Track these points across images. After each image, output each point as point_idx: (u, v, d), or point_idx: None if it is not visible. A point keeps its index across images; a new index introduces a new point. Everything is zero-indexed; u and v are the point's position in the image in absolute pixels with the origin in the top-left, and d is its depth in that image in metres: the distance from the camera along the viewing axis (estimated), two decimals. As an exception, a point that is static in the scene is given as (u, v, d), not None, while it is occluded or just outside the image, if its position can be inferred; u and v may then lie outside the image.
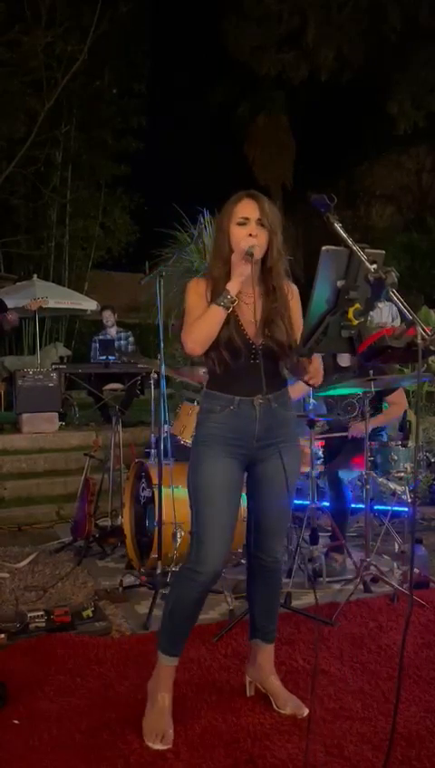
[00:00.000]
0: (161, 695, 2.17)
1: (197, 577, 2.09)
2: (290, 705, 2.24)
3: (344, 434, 4.02)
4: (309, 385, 2.14)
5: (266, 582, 2.30)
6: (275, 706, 2.25)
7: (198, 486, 2.14)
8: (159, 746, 2.05)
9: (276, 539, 2.27)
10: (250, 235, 2.10)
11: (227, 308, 2.08)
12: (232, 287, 2.09)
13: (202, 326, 2.10)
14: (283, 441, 2.20)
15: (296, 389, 4.16)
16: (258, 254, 2.11)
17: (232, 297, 2.08)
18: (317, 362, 2.12)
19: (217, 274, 2.15)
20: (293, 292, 2.24)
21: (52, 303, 9.27)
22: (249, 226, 2.11)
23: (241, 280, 2.09)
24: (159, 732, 2.09)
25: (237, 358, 2.12)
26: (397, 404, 4.12)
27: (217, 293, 2.11)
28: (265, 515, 2.23)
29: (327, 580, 3.55)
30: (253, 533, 2.27)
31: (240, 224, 2.12)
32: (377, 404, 4.09)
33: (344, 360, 4.17)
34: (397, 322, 6.82)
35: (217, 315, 2.08)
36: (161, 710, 2.15)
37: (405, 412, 4.36)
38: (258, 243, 2.09)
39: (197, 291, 2.17)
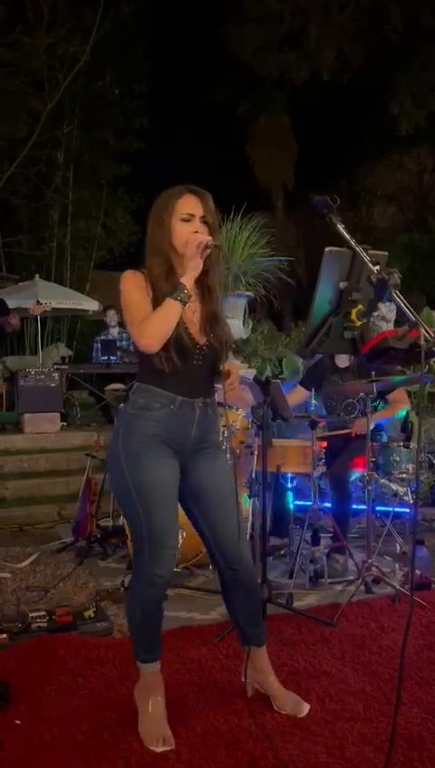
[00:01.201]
0: (153, 699, 2.14)
1: (158, 580, 2.07)
2: (289, 703, 2.23)
3: (347, 431, 4.01)
4: (228, 392, 2.10)
5: (244, 591, 2.23)
6: (275, 707, 2.25)
7: (143, 487, 2.04)
8: (162, 749, 2.03)
9: (242, 543, 2.19)
10: (196, 232, 2.03)
11: (184, 303, 2.01)
12: (187, 281, 2.01)
13: (160, 321, 1.99)
14: (212, 446, 2.19)
15: (295, 395, 4.18)
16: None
17: (188, 292, 2.01)
18: (235, 375, 2.12)
19: (157, 271, 2.06)
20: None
21: (53, 304, 9.28)
22: (194, 223, 2.05)
23: (195, 275, 2.02)
24: (158, 735, 2.07)
25: (186, 357, 2.06)
26: (398, 401, 4.12)
27: (159, 290, 2.03)
28: (223, 521, 2.14)
29: (329, 580, 3.55)
30: (214, 547, 2.18)
31: (184, 220, 2.05)
32: (377, 404, 4.09)
33: (342, 360, 4.17)
34: (391, 315, 6.81)
35: (173, 309, 1.99)
36: (155, 714, 2.12)
37: (407, 413, 4.36)
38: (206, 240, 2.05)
39: (138, 284, 2.06)
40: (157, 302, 2.03)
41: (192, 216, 2.06)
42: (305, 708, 2.21)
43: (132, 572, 2.20)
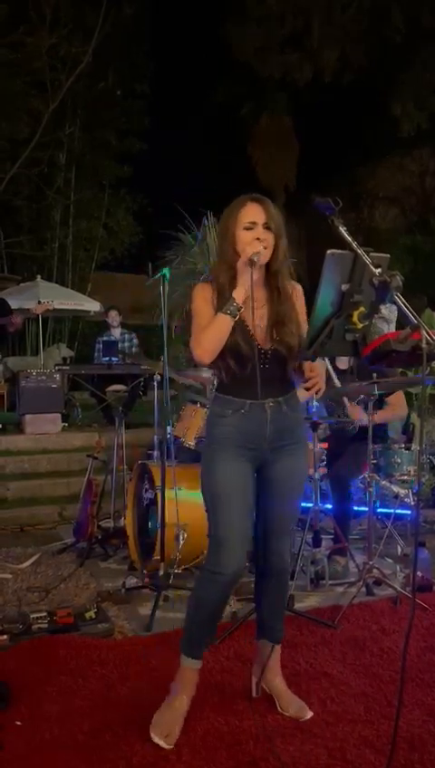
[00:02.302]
0: (181, 697, 2.19)
1: (218, 578, 2.11)
2: (293, 707, 2.25)
3: (349, 420, 3.99)
4: (308, 392, 2.12)
5: (276, 583, 2.31)
6: (278, 708, 2.26)
7: (212, 489, 2.15)
8: (160, 742, 2.07)
9: (285, 540, 2.27)
10: (258, 239, 2.09)
11: (234, 316, 2.07)
12: (238, 295, 2.07)
13: (211, 335, 2.08)
14: (293, 443, 2.21)
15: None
16: (264, 258, 2.10)
17: (238, 305, 2.07)
18: (319, 370, 2.11)
19: (223, 280, 2.14)
20: (298, 292, 2.24)
21: (55, 304, 9.29)
22: (256, 231, 2.10)
23: (246, 288, 2.07)
24: (166, 729, 2.11)
25: (244, 365, 2.11)
26: (396, 404, 4.12)
27: (223, 299, 2.11)
28: (275, 517, 2.23)
29: (330, 582, 3.55)
30: (261, 536, 2.26)
31: (247, 228, 2.11)
32: (377, 406, 4.08)
33: (342, 362, 4.17)
34: (392, 317, 6.81)
35: (224, 324, 2.07)
36: (177, 710, 2.17)
37: (408, 415, 4.36)
38: (265, 246, 2.09)
39: (203, 296, 2.16)
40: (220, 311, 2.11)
41: (254, 223, 2.11)
42: (309, 714, 2.23)
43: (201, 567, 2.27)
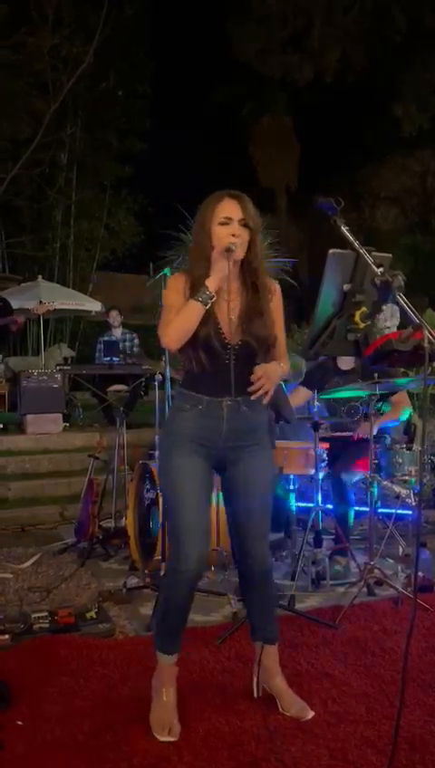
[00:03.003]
0: (165, 689, 2.22)
1: (180, 576, 2.12)
2: (295, 707, 2.24)
3: (348, 434, 4.01)
4: (253, 395, 2.08)
5: (260, 585, 2.28)
6: (280, 708, 2.25)
7: (170, 486, 2.15)
8: (166, 738, 2.09)
9: (262, 542, 2.25)
10: (233, 235, 2.09)
11: (206, 304, 2.06)
12: (211, 283, 2.07)
13: (179, 321, 2.08)
14: (253, 444, 2.21)
15: (297, 396, 4.17)
16: (239, 253, 2.10)
17: (211, 293, 2.06)
18: (271, 373, 2.05)
19: (199, 273, 2.13)
20: (275, 290, 2.24)
21: (56, 304, 9.29)
22: (232, 226, 2.11)
23: (220, 276, 2.07)
24: (165, 724, 2.13)
25: (215, 358, 2.11)
26: (400, 403, 4.12)
27: (196, 291, 2.09)
28: (248, 519, 2.21)
29: (331, 583, 3.54)
30: (238, 540, 2.25)
31: (223, 223, 2.11)
32: (378, 406, 4.08)
33: (345, 362, 4.17)
34: (394, 321, 6.80)
35: (194, 310, 2.06)
36: (166, 704, 2.20)
37: (410, 415, 4.35)
38: (241, 242, 2.09)
39: (176, 287, 2.15)
40: None
41: (230, 219, 2.11)
42: (310, 714, 2.22)
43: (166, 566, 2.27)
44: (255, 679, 2.35)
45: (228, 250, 2.05)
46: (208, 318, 2.09)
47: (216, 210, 2.13)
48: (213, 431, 2.15)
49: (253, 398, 2.08)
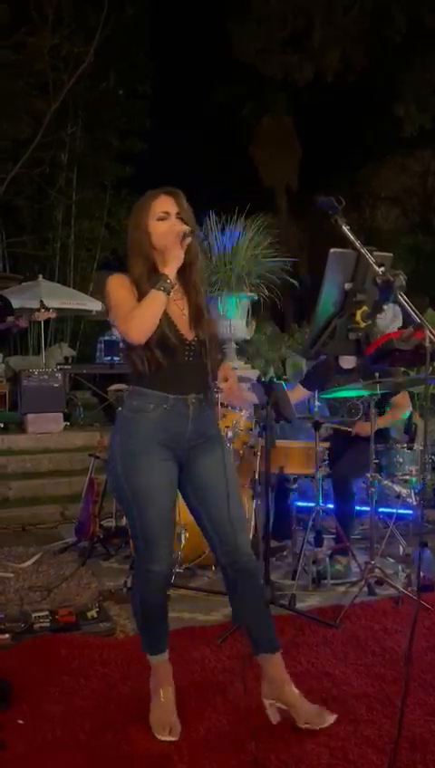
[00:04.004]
0: (163, 689, 2.21)
1: (154, 576, 2.12)
2: (312, 715, 2.11)
3: (349, 430, 4.01)
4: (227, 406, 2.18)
5: (248, 591, 2.17)
6: (297, 722, 2.10)
7: (138, 488, 2.09)
8: (167, 738, 2.09)
9: (242, 534, 2.18)
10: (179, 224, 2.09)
11: (168, 292, 2.02)
12: (169, 271, 2.04)
13: (145, 312, 2.01)
14: (208, 440, 2.19)
15: (293, 395, 4.16)
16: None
17: (172, 281, 2.03)
18: (232, 377, 2.16)
19: (139, 271, 2.10)
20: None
21: (57, 304, 9.29)
22: (170, 221, 2.10)
23: (177, 264, 2.05)
24: (165, 724, 2.13)
25: (172, 355, 2.08)
26: (401, 405, 4.12)
27: (142, 290, 2.06)
28: (222, 512, 2.14)
29: (331, 582, 3.55)
30: (216, 541, 2.17)
31: (161, 218, 2.10)
32: (381, 406, 4.08)
33: (346, 361, 4.17)
34: (398, 322, 6.81)
35: (158, 300, 2.01)
36: (165, 703, 2.19)
37: (411, 415, 4.35)
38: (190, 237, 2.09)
39: (121, 284, 2.10)
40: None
41: (167, 213, 2.11)
42: (331, 719, 2.10)
43: (134, 567, 2.23)
44: (267, 702, 2.17)
45: (185, 235, 2.04)
46: (162, 316, 2.05)
47: (152, 207, 2.12)
48: (178, 430, 2.12)
49: (229, 397, 2.11)
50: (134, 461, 2.10)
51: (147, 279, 2.07)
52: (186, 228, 2.06)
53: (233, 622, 2.96)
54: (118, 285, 2.11)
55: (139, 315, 2.01)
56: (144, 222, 2.12)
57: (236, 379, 2.19)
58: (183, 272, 2.13)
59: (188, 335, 2.12)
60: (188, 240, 2.06)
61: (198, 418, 2.14)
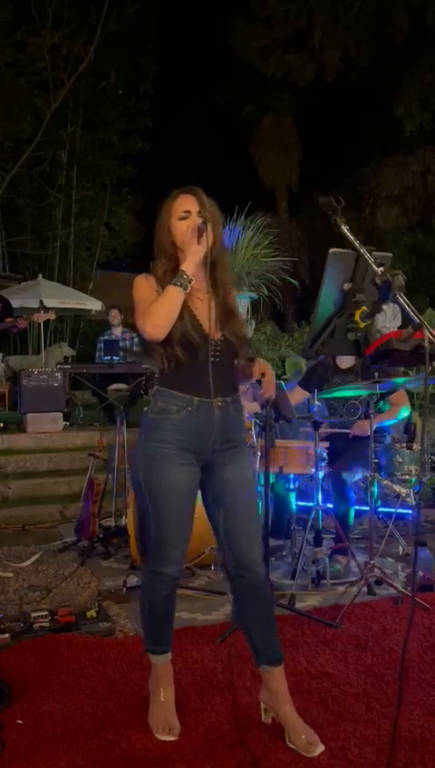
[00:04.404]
0: (162, 689, 2.21)
1: (163, 578, 2.12)
2: (303, 739, 2.03)
3: (346, 431, 4.01)
4: (263, 405, 2.14)
5: (256, 602, 2.14)
6: (287, 741, 2.05)
7: (155, 491, 2.07)
8: (167, 737, 2.09)
9: (254, 550, 2.13)
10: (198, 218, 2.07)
11: (185, 288, 2.00)
12: (188, 267, 2.02)
13: (161, 307, 2.00)
14: (234, 446, 2.14)
15: (294, 396, 4.16)
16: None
17: (188, 276, 2.01)
18: (270, 374, 2.11)
19: (163, 270, 2.10)
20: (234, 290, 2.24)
21: (56, 304, 9.30)
22: (190, 219, 2.08)
23: (195, 259, 2.03)
24: (165, 724, 2.13)
25: (194, 355, 2.04)
26: (399, 403, 4.12)
27: (166, 284, 2.05)
28: (237, 526, 2.11)
29: (331, 582, 3.55)
30: (227, 551, 2.13)
31: (182, 218, 2.09)
32: (378, 404, 4.09)
33: (344, 362, 4.17)
34: (396, 322, 6.81)
35: (175, 296, 2.00)
36: (165, 703, 2.19)
37: (410, 414, 4.35)
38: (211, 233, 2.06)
39: (145, 283, 2.10)
40: None
41: (188, 212, 2.10)
42: (319, 750, 2.00)
43: (143, 566, 2.21)
44: (263, 705, 2.19)
45: (200, 228, 2.02)
46: (184, 315, 2.03)
47: (173, 207, 2.12)
48: (202, 434, 2.07)
49: (267, 393, 2.06)
50: (154, 463, 2.08)
51: (171, 278, 2.06)
52: (198, 220, 2.03)
53: (232, 621, 2.96)
54: (142, 284, 2.11)
55: (154, 311, 2.00)
56: (166, 222, 2.12)
57: (274, 374, 2.11)
58: (209, 269, 2.12)
59: (214, 334, 2.08)
60: (206, 233, 2.02)
61: (224, 422, 2.10)
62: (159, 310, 2.00)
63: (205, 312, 2.08)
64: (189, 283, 2.01)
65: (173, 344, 2.03)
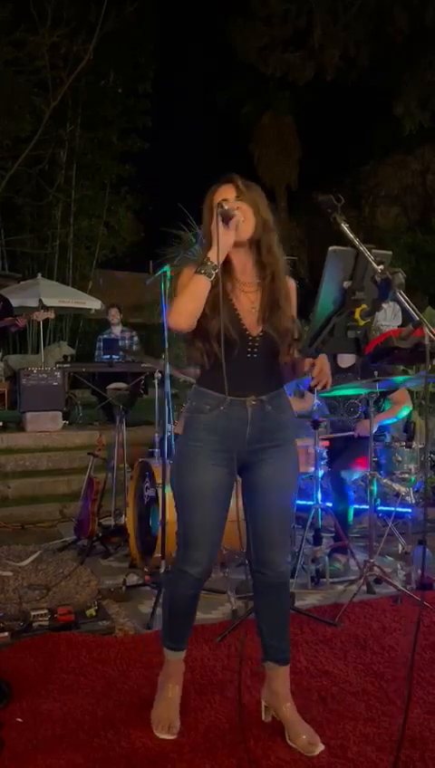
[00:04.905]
0: (170, 685, 2.20)
1: (188, 577, 2.10)
2: (302, 739, 2.03)
3: (348, 434, 4.02)
4: (313, 390, 2.02)
5: (272, 600, 2.14)
6: (287, 739, 2.06)
7: (185, 491, 2.07)
8: (165, 735, 2.09)
9: (279, 551, 2.11)
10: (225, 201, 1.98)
11: (210, 276, 1.94)
12: (212, 254, 1.94)
13: (184, 297, 1.95)
14: (278, 445, 2.08)
15: (305, 403, 4.13)
16: (246, 231, 2.00)
17: (213, 263, 1.93)
18: (323, 362, 1.96)
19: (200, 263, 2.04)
20: (292, 287, 2.13)
21: (56, 303, 9.29)
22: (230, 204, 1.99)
23: (221, 245, 1.94)
24: (165, 722, 2.13)
25: (231, 350, 1.97)
26: (400, 402, 4.12)
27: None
28: (265, 526, 2.09)
29: (330, 580, 3.55)
30: (253, 547, 2.12)
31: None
32: (379, 403, 4.09)
33: (344, 360, 4.17)
34: (397, 321, 6.81)
35: (199, 284, 1.94)
36: (170, 700, 2.18)
37: (410, 413, 4.35)
38: (242, 217, 1.97)
39: (188, 275, 2.02)
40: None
41: (226, 200, 2.02)
42: (319, 749, 2.00)
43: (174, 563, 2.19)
44: (263, 703, 2.20)
45: (225, 214, 1.93)
46: (223, 307, 1.95)
47: (213, 198, 2.05)
48: (235, 435, 2.02)
49: (317, 387, 1.97)
50: (185, 462, 2.07)
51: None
52: (221, 203, 1.94)
53: (232, 620, 2.96)
54: (182, 275, 2.05)
55: (177, 300, 1.97)
56: (208, 216, 2.03)
57: (327, 364, 1.99)
58: (259, 259, 2.04)
59: (254, 329, 2.02)
60: (235, 216, 1.93)
61: (261, 421, 2.04)
62: (181, 298, 1.97)
63: (248, 305, 2.03)
64: (214, 269, 1.94)
65: (211, 339, 1.97)
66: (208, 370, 2.04)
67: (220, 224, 1.94)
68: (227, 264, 2.02)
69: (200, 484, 2.04)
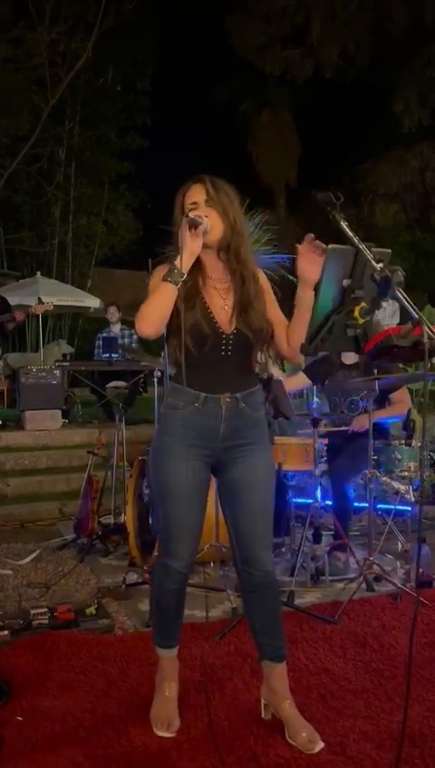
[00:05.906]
0: (167, 684, 2.21)
1: (171, 571, 2.10)
2: (302, 736, 2.03)
3: (346, 428, 4.01)
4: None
5: (261, 598, 2.12)
6: (286, 737, 2.05)
7: (163, 487, 2.08)
8: (165, 734, 2.09)
9: (262, 549, 2.10)
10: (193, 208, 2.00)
11: (176, 283, 1.94)
12: (178, 261, 1.94)
13: (150, 304, 1.96)
14: (251, 443, 2.09)
15: (293, 381, 4.16)
16: (213, 236, 2.00)
17: (179, 271, 1.93)
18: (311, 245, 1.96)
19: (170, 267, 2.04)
20: (260, 277, 2.14)
21: (55, 301, 9.28)
22: (199, 210, 2.01)
23: (186, 253, 1.94)
24: (164, 720, 2.13)
25: (203, 347, 2.00)
26: (401, 402, 4.12)
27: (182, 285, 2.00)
28: (247, 526, 2.08)
29: (330, 578, 3.55)
30: (236, 547, 2.12)
31: (191, 210, 2.02)
32: (381, 402, 4.08)
33: (349, 357, 4.16)
34: (395, 319, 6.81)
35: (165, 292, 1.94)
36: (167, 699, 2.19)
37: (409, 411, 4.35)
38: (210, 223, 1.98)
39: (159, 275, 2.00)
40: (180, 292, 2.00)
41: (196, 204, 2.03)
42: (318, 747, 2.00)
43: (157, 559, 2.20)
44: (263, 701, 2.20)
45: (192, 222, 1.93)
46: (196, 305, 1.99)
47: (183, 200, 2.06)
48: (210, 432, 2.05)
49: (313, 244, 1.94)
50: (162, 458, 2.08)
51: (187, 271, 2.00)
52: (189, 214, 1.96)
53: (232, 617, 2.96)
54: (154, 276, 2.04)
55: (143, 308, 1.97)
56: (178, 215, 2.03)
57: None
58: (229, 262, 2.06)
59: (227, 327, 2.03)
60: (195, 226, 1.93)
61: (234, 419, 2.05)
62: (147, 306, 1.97)
63: (220, 303, 2.05)
64: (181, 278, 1.94)
65: (184, 335, 1.98)
66: (183, 367, 2.02)
67: (187, 231, 1.95)
68: (198, 262, 2.03)
69: (177, 479, 2.06)
